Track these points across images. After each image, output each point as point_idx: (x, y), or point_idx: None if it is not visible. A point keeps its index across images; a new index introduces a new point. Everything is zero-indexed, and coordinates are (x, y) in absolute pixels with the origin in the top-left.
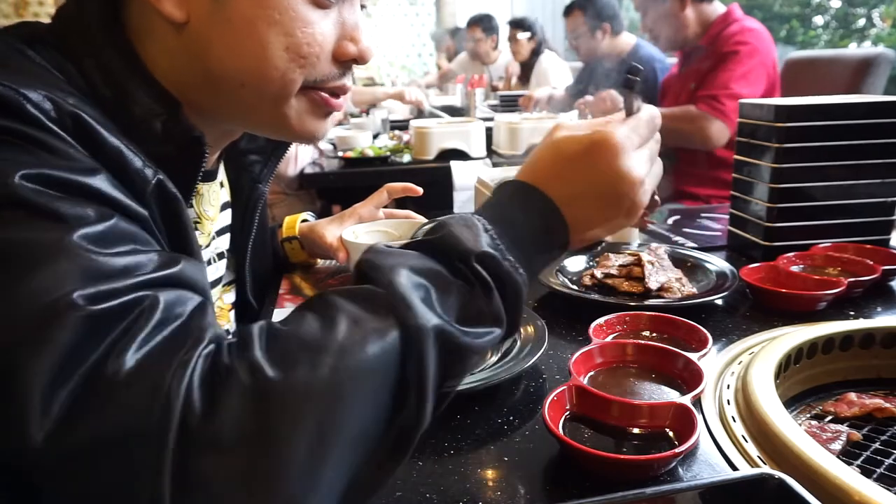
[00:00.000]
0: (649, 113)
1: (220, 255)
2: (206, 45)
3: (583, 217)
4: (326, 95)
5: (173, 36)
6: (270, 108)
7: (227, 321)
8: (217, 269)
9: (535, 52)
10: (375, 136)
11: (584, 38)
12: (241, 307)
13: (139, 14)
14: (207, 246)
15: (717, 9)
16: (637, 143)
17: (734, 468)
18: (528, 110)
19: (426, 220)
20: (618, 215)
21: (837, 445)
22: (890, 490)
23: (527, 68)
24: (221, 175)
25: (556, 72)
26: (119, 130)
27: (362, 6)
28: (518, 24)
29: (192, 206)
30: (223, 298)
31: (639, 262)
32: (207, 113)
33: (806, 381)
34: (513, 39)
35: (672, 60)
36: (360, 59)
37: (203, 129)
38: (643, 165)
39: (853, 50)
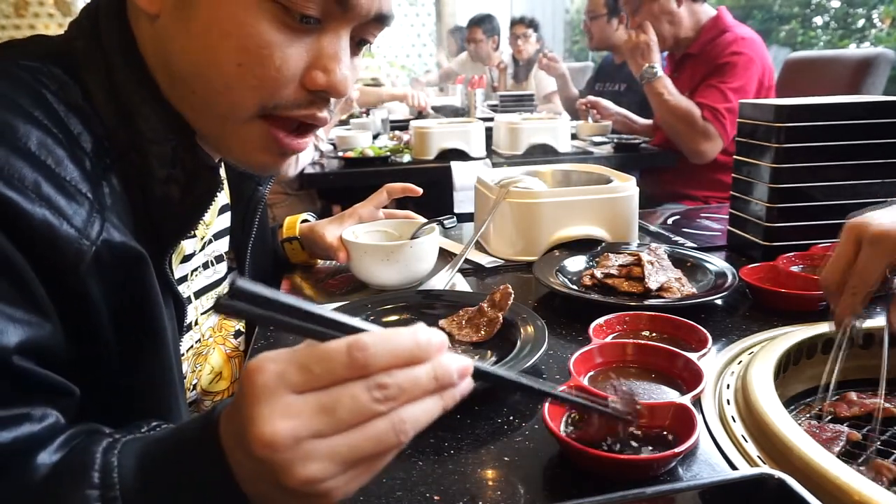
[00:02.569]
0: (345, 345)
1: (219, 258)
2: (168, 40)
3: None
4: (283, 135)
5: (150, 26)
6: (217, 124)
7: (238, 321)
8: (216, 272)
9: (537, 53)
10: (375, 136)
11: (599, 22)
12: None
13: (131, 13)
14: (201, 250)
15: (708, 11)
16: (295, 384)
17: (734, 468)
18: (545, 65)
19: (426, 221)
20: (273, 492)
21: (837, 445)
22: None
23: (526, 68)
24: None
25: (563, 68)
26: (118, 149)
27: (365, 42)
28: (529, 23)
29: (193, 235)
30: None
31: (639, 262)
32: (186, 111)
33: (806, 381)
34: (521, 36)
35: None
36: (331, 92)
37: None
38: (293, 419)
39: (853, 50)
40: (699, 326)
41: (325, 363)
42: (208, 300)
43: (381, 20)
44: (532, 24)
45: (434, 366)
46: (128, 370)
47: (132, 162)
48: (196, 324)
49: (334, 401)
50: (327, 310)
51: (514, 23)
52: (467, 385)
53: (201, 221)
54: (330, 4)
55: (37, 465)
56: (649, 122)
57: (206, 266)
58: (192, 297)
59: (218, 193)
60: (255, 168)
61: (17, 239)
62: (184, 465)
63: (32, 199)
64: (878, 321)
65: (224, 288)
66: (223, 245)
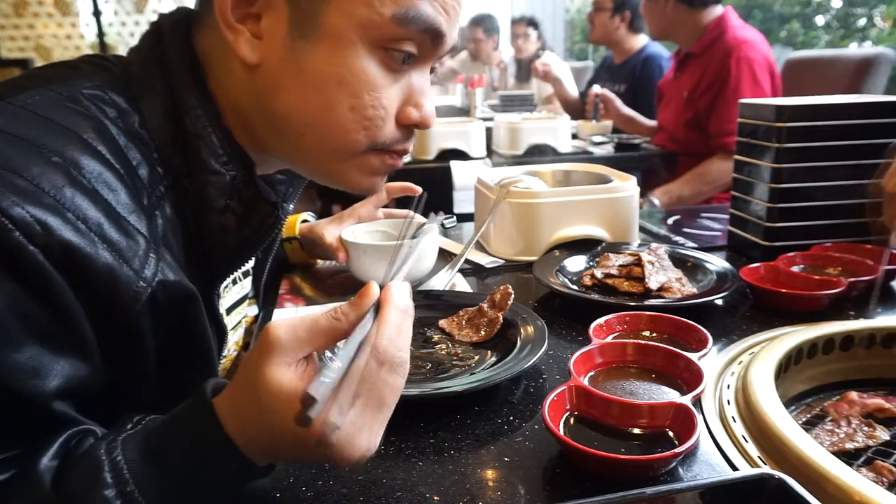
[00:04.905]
0: (332, 317)
1: (246, 274)
2: (274, 89)
3: (266, 451)
4: (392, 152)
5: (244, 72)
6: (328, 160)
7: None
8: (243, 288)
9: (538, 52)
10: None
11: (602, 15)
12: None
13: (215, 43)
14: None
15: (713, 12)
16: (304, 353)
17: (734, 468)
18: (541, 74)
19: (425, 220)
20: (305, 451)
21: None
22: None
23: (528, 68)
24: None
25: (558, 72)
26: (172, 175)
27: (432, 69)
28: (529, 22)
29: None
30: (248, 312)
31: (639, 262)
32: (266, 148)
33: (806, 381)
34: (521, 35)
35: None
36: (422, 125)
37: (260, 159)
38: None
39: (853, 50)
40: (699, 326)
41: (322, 335)
42: (236, 315)
43: (450, 49)
44: (532, 23)
45: (399, 308)
46: (170, 399)
47: (185, 189)
48: None
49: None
50: None
51: (515, 22)
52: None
53: None
54: (425, 42)
55: (40, 472)
56: (654, 123)
57: (234, 282)
58: (224, 315)
59: (277, 229)
60: (357, 190)
61: (75, 282)
62: (183, 439)
63: (95, 241)
64: (879, 321)
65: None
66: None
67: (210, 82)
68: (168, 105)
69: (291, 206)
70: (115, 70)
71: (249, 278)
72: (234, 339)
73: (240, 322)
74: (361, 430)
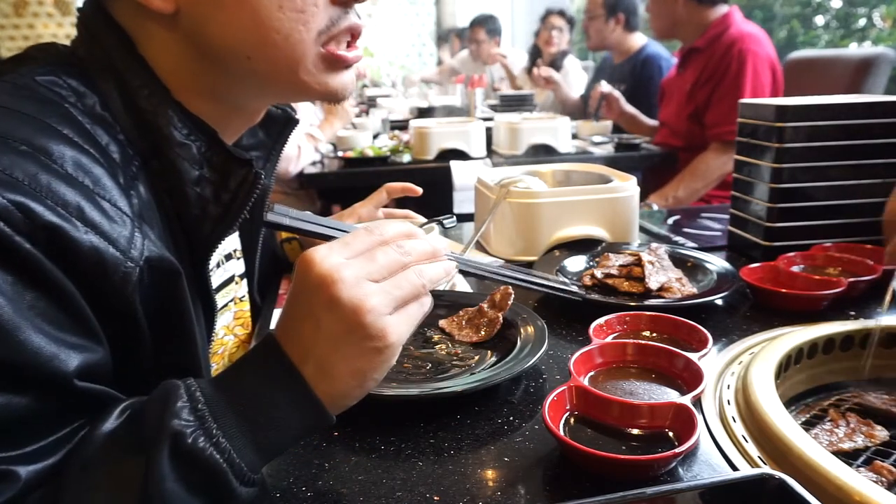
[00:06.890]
0: (363, 228)
1: (228, 257)
2: (201, 28)
3: (324, 367)
4: (340, 53)
5: (167, 30)
6: (287, 74)
7: (245, 305)
8: (225, 271)
9: (563, 52)
10: (375, 136)
11: (596, 22)
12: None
13: (128, 13)
14: None
15: (719, 10)
16: (341, 253)
17: (734, 468)
18: (543, 81)
19: (425, 221)
20: (359, 353)
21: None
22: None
23: (549, 62)
24: None
25: (577, 75)
26: (141, 156)
27: None
28: (569, 20)
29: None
30: (242, 286)
31: (639, 262)
32: (226, 96)
33: (806, 381)
34: (556, 28)
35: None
36: None
37: (224, 116)
38: (350, 267)
39: (853, 50)
40: (699, 326)
41: (356, 239)
42: (223, 297)
43: None
44: (570, 21)
45: (426, 239)
46: (161, 377)
47: (153, 168)
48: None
49: (373, 255)
50: (339, 222)
51: (550, 13)
52: (452, 263)
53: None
54: None
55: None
56: (655, 123)
57: (217, 265)
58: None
59: (258, 187)
60: (335, 94)
61: (66, 267)
62: (251, 369)
63: (78, 225)
64: (878, 321)
65: (237, 284)
66: (233, 242)
67: (142, 53)
68: (120, 87)
69: (273, 179)
70: (64, 55)
71: (233, 261)
72: (223, 322)
73: (227, 305)
74: (387, 299)
